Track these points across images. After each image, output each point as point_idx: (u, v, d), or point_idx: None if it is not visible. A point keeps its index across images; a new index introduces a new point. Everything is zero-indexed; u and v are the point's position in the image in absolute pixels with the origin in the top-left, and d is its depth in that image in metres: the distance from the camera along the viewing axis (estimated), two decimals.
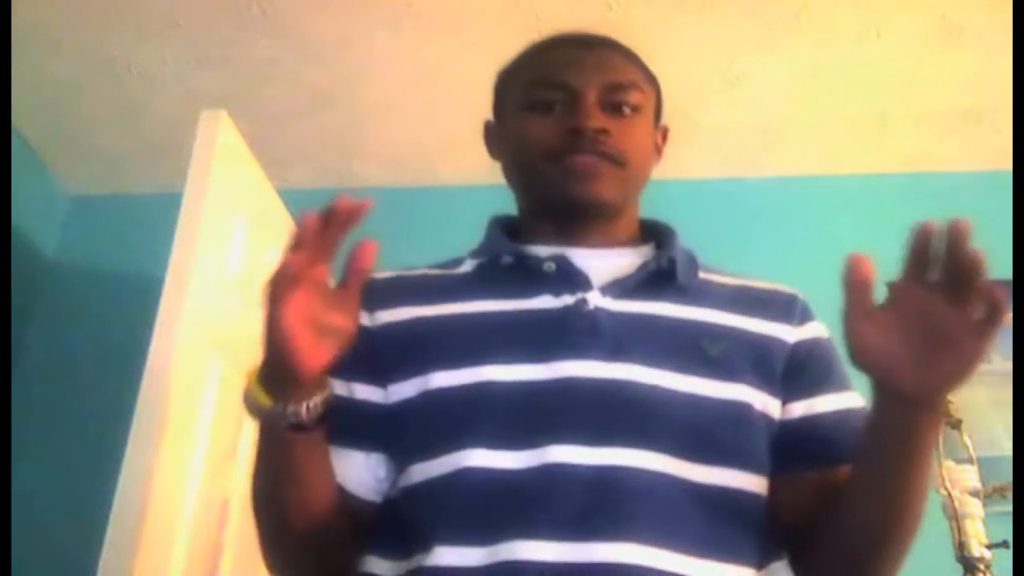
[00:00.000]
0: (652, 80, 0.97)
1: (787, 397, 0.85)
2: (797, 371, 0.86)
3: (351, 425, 0.83)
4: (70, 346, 2.35)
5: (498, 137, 0.99)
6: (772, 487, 0.82)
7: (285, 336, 0.68)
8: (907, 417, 0.70)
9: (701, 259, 0.95)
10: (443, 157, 2.49)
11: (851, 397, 0.88)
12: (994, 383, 2.23)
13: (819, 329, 0.92)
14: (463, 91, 2.24)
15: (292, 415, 0.72)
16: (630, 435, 0.77)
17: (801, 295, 0.94)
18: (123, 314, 2.13)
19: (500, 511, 0.74)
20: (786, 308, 0.91)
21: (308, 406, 0.72)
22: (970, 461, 1.57)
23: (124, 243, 2.47)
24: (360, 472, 0.83)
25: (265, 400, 0.73)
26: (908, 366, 0.66)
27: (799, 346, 0.88)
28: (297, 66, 2.18)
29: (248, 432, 1.69)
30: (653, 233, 0.96)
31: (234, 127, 1.65)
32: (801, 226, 2.48)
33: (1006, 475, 1.99)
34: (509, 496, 0.75)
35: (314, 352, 0.70)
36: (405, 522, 0.79)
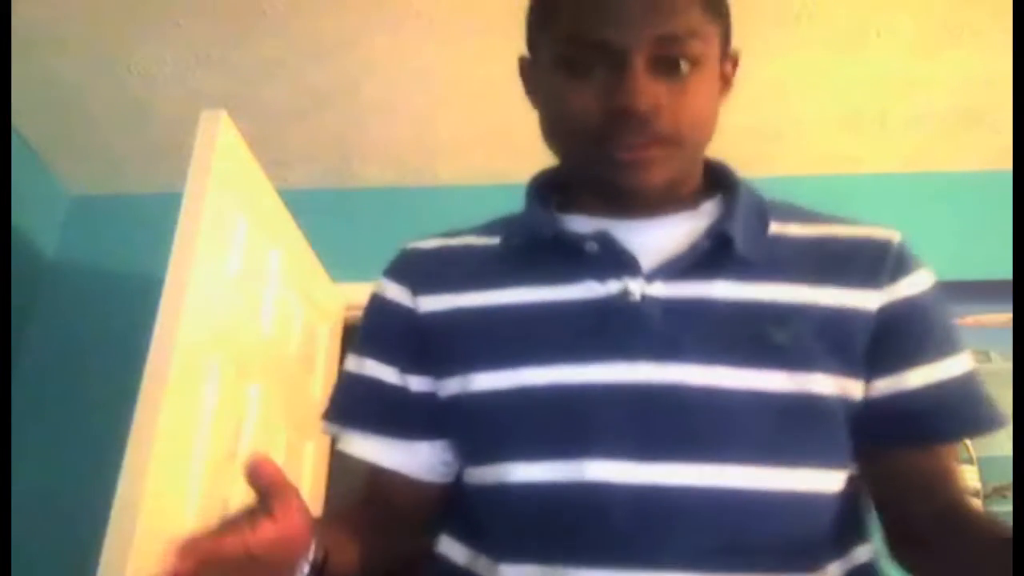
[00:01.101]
0: (717, 8, 0.77)
1: (873, 372, 0.75)
2: (884, 341, 0.75)
3: (410, 419, 0.81)
4: (70, 346, 2.35)
5: (533, 82, 0.82)
6: (861, 466, 0.76)
7: None
8: None
9: (776, 202, 0.83)
10: (443, 157, 2.50)
11: (948, 365, 0.76)
12: (994, 383, 2.24)
13: (915, 285, 0.78)
14: (463, 91, 2.24)
15: None
16: (679, 449, 0.69)
17: (897, 240, 0.80)
18: (123, 314, 2.13)
19: (547, 530, 0.72)
20: (874, 265, 0.77)
21: None
22: (970, 461, 1.57)
23: (124, 243, 2.47)
24: (428, 461, 0.82)
25: None
26: None
27: (886, 311, 0.76)
28: (298, 66, 2.18)
29: (248, 432, 1.70)
30: (719, 181, 0.84)
31: (234, 127, 1.64)
32: None
33: (1006, 475, 1.99)
34: (552, 515, 0.72)
35: None
36: (471, 519, 0.78)
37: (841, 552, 0.74)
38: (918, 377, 0.75)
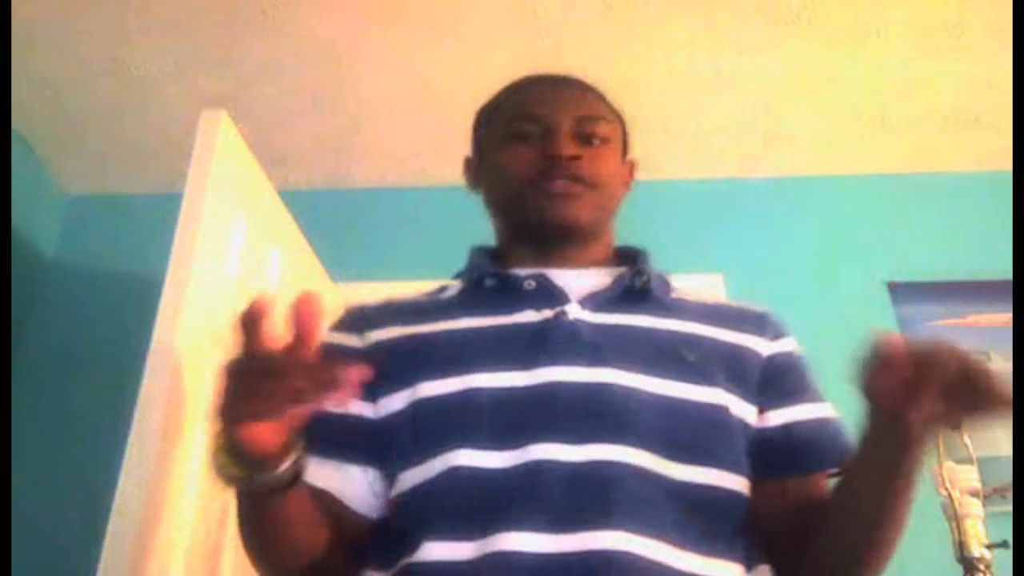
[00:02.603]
0: (619, 116, 1.05)
1: (765, 406, 0.90)
2: (774, 382, 0.91)
3: (346, 440, 0.86)
4: (69, 346, 2.35)
5: (478, 170, 1.06)
6: (755, 494, 0.85)
7: (241, 435, 0.70)
8: (899, 438, 0.72)
9: (673, 283, 1.02)
10: (442, 157, 2.49)
11: (827, 407, 0.93)
12: None
13: (792, 344, 0.97)
14: (462, 91, 2.23)
15: (265, 483, 0.73)
16: (610, 433, 0.81)
17: (773, 312, 1.00)
18: (122, 314, 2.13)
19: (489, 505, 0.77)
20: (759, 323, 0.96)
21: (279, 471, 0.73)
22: (970, 461, 1.57)
23: (124, 243, 2.47)
24: (359, 487, 0.86)
25: (235, 470, 0.73)
26: (911, 404, 0.68)
27: (774, 358, 0.93)
28: (297, 66, 2.19)
29: None
30: (628, 257, 1.02)
31: (234, 127, 1.64)
32: (801, 226, 2.48)
33: (1006, 475, 1.99)
34: (497, 491, 0.78)
35: (273, 433, 0.70)
36: (396, 528, 0.82)
37: (755, 560, 0.82)
38: (805, 412, 0.91)
